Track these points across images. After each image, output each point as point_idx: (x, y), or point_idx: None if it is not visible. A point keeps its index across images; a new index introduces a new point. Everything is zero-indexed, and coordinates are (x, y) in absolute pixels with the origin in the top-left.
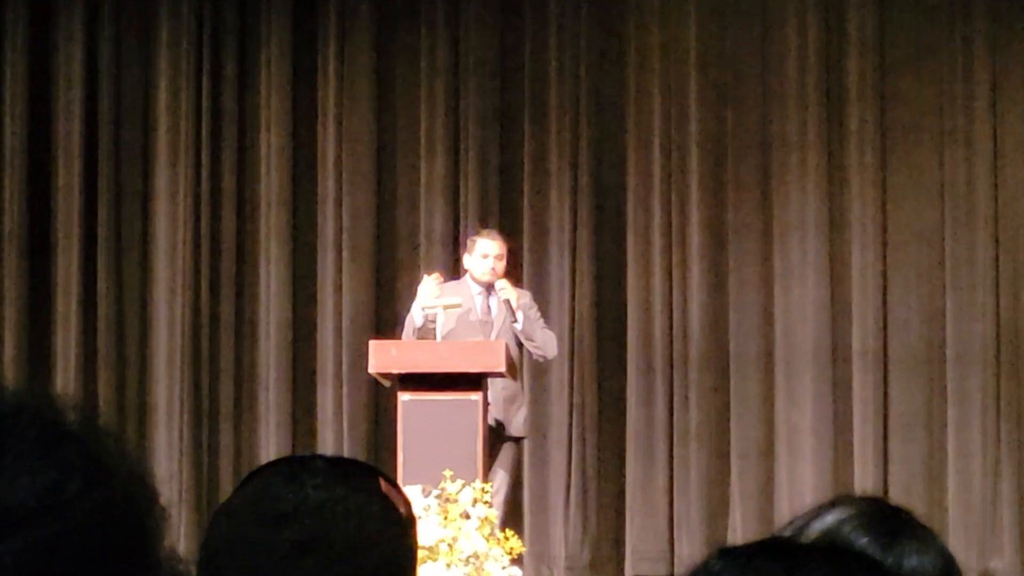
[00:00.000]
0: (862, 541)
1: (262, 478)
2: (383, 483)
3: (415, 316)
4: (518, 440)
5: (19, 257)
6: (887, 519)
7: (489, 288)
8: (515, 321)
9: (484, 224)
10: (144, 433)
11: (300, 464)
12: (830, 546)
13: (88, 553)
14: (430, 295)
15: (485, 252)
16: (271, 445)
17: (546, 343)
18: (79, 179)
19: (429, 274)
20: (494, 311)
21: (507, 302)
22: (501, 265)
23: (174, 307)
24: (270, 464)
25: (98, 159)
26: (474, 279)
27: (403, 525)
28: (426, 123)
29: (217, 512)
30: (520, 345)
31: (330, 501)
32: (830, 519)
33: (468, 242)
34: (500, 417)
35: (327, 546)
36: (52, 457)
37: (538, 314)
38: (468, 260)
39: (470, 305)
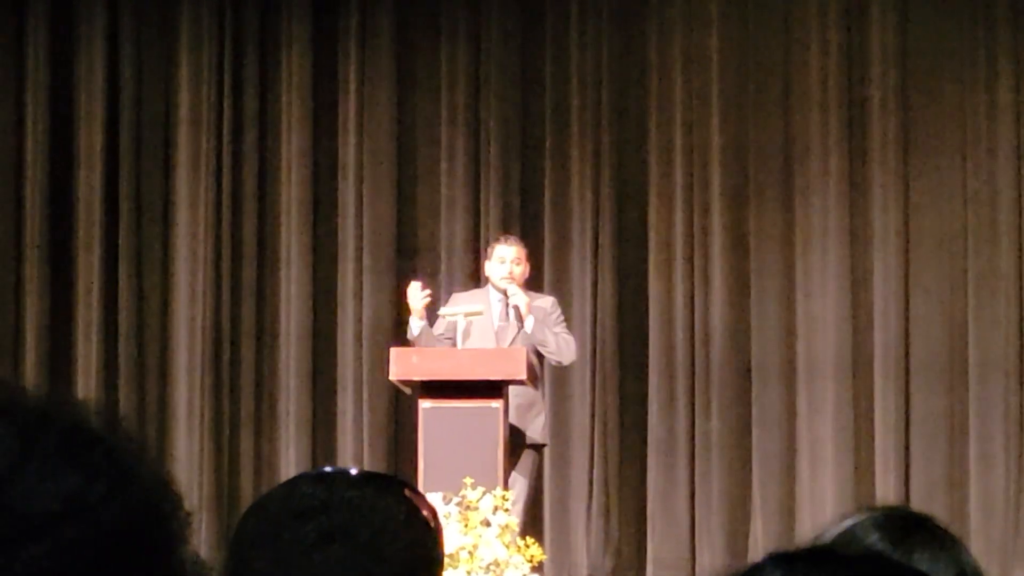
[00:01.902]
0: (872, 537)
1: (292, 480)
2: (409, 492)
3: (414, 327)
4: (538, 447)
5: (41, 264)
6: (904, 522)
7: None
8: (521, 327)
9: (506, 231)
10: (165, 440)
11: (329, 471)
12: (874, 555)
13: (112, 557)
14: (418, 299)
15: (502, 257)
16: (291, 452)
17: (561, 349)
18: (100, 187)
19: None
20: (512, 318)
21: (516, 308)
22: (519, 270)
23: (195, 314)
24: (301, 474)
25: (119, 167)
26: (493, 285)
27: (428, 531)
28: (447, 131)
29: (248, 509)
30: (541, 353)
31: (356, 498)
32: (848, 522)
33: (488, 249)
34: (516, 424)
35: (351, 537)
36: (77, 462)
37: (561, 318)
38: (488, 267)
39: (489, 313)
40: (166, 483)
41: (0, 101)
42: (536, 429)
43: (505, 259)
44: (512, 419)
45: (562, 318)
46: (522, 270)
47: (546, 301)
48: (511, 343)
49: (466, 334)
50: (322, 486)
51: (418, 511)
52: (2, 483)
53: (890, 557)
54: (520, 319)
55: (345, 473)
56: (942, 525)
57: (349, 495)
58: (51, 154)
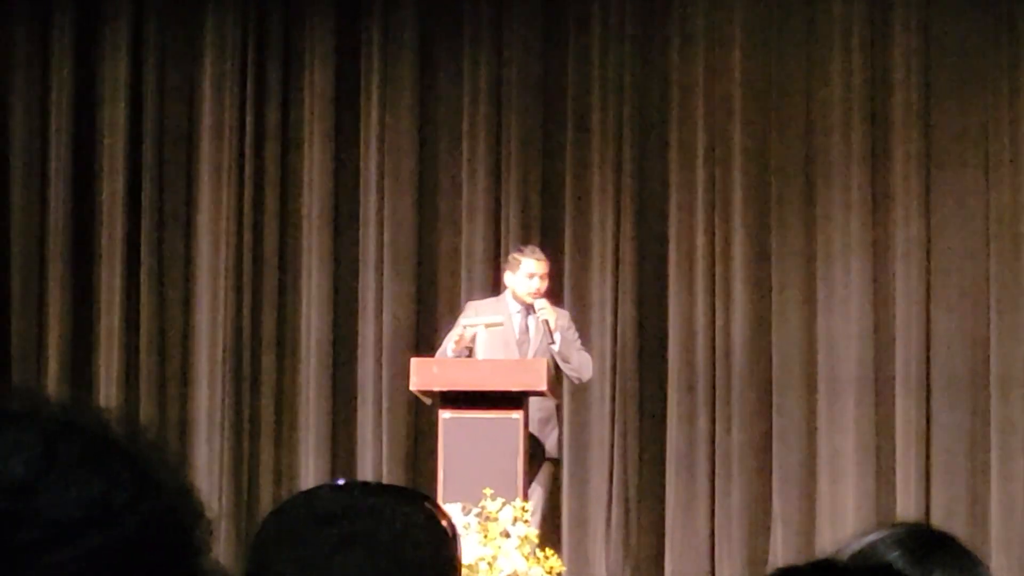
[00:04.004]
0: (892, 555)
1: (313, 489)
2: (428, 504)
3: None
4: (554, 460)
5: (63, 273)
6: (924, 540)
7: (529, 307)
8: (552, 343)
9: (525, 243)
10: (185, 449)
11: (348, 482)
12: (882, 567)
13: (135, 565)
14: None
15: (531, 272)
16: (311, 462)
17: (582, 365)
18: (123, 196)
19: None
20: (531, 330)
21: (545, 323)
22: (545, 285)
23: (216, 324)
24: (320, 485)
25: (142, 176)
26: (516, 298)
27: (447, 539)
28: (468, 142)
29: (269, 513)
30: (557, 366)
31: (376, 505)
32: (868, 539)
33: (511, 259)
34: (536, 435)
35: (372, 541)
36: (100, 469)
37: (576, 335)
38: (511, 278)
39: (508, 323)
40: (189, 491)
41: (24, 110)
42: (552, 443)
43: (534, 274)
44: (533, 431)
45: (577, 334)
46: (546, 284)
47: (563, 316)
48: (532, 356)
49: (486, 346)
50: (343, 493)
51: (437, 519)
52: (25, 490)
53: (902, 572)
54: (550, 334)
55: (365, 483)
56: (964, 545)
57: (370, 501)
58: (74, 164)
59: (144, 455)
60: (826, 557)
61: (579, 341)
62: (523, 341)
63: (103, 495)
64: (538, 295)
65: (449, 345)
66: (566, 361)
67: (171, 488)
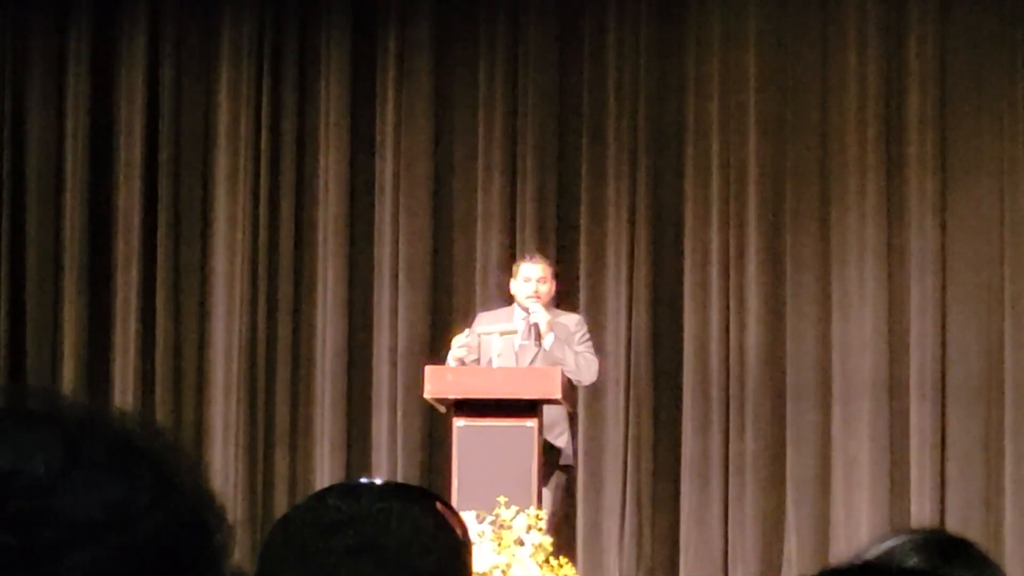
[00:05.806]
0: (912, 560)
1: (320, 493)
2: (439, 505)
3: (451, 358)
4: (565, 468)
5: (79, 279)
6: (945, 546)
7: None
8: (539, 344)
9: (541, 251)
10: (200, 455)
11: (357, 483)
12: (921, 571)
13: (156, 567)
14: (457, 349)
15: (527, 276)
16: (325, 469)
17: (581, 368)
18: (139, 203)
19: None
20: (532, 336)
21: (535, 325)
22: (544, 288)
23: (231, 330)
24: (330, 486)
25: (158, 183)
26: (518, 304)
27: (457, 544)
28: (483, 149)
29: (276, 522)
30: None
31: (384, 511)
32: (887, 544)
33: (513, 267)
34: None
35: (380, 551)
36: (122, 471)
37: (585, 337)
38: (513, 285)
39: (516, 330)
40: (210, 495)
41: (41, 116)
42: (564, 449)
43: (530, 278)
44: None
45: (587, 337)
46: (548, 288)
47: (571, 319)
48: (531, 362)
49: (497, 353)
50: (350, 499)
51: (447, 524)
52: (47, 490)
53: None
54: (538, 336)
55: (373, 485)
56: (983, 550)
57: (377, 507)
58: (91, 170)
59: (165, 458)
60: (869, 560)
61: (589, 344)
62: (524, 348)
63: (125, 497)
64: (536, 298)
65: (457, 351)
66: (561, 363)
67: (192, 491)
